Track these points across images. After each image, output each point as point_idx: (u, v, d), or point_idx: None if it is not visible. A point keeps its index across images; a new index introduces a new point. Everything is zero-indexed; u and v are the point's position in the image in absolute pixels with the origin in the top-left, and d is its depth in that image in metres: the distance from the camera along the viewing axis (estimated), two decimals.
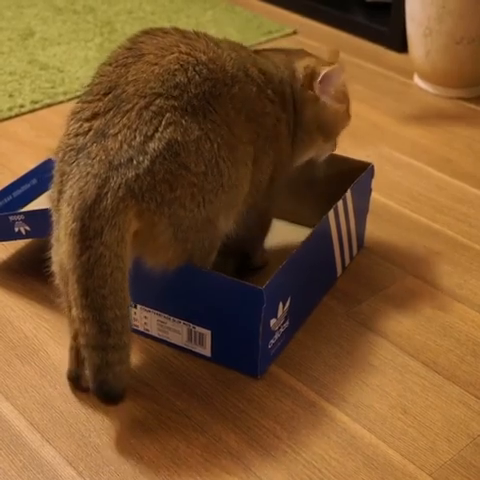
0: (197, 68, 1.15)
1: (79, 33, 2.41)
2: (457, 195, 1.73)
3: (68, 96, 2.05)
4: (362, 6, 2.57)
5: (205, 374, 1.25)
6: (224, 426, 1.16)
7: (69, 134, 1.13)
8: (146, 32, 1.21)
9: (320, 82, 1.30)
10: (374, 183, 1.51)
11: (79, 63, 2.22)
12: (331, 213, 1.34)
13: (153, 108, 1.11)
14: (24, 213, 1.38)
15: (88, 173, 1.08)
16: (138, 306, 1.28)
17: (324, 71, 1.29)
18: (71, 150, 1.11)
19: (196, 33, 1.22)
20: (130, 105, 1.11)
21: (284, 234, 1.48)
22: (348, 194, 1.39)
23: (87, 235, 1.06)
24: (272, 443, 1.14)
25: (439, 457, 1.13)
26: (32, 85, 2.08)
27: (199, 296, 1.22)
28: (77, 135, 1.12)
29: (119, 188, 1.07)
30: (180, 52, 1.16)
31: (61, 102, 2.03)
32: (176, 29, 1.21)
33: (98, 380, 1.10)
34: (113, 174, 1.07)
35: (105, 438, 1.14)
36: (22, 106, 1.99)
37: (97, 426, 1.15)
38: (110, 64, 1.17)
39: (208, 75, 1.15)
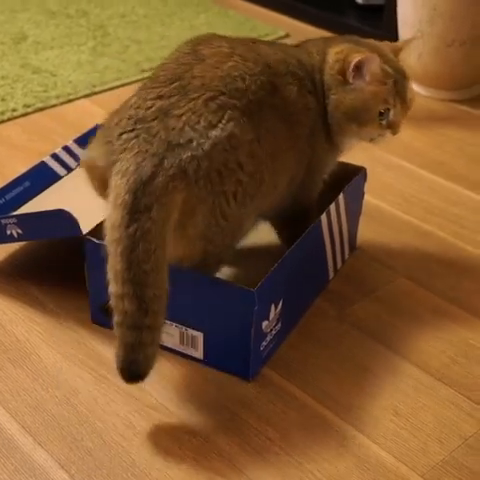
0: (253, 78, 1.20)
1: (72, 37, 2.41)
2: (449, 197, 1.74)
3: (61, 100, 2.05)
4: (355, 9, 2.58)
5: (197, 377, 1.25)
6: (216, 428, 1.16)
7: (131, 106, 1.18)
8: (202, 39, 1.25)
9: (353, 70, 1.27)
10: (366, 185, 1.51)
11: (72, 67, 2.22)
12: (323, 216, 1.34)
13: (218, 101, 1.15)
14: (16, 216, 1.37)
15: (147, 150, 1.11)
16: None
17: (356, 59, 1.25)
18: (130, 119, 1.16)
19: (244, 41, 1.28)
20: (196, 94, 1.15)
21: (275, 236, 1.48)
22: (340, 197, 1.39)
23: (137, 208, 1.09)
24: (264, 445, 1.14)
25: (431, 458, 1.13)
26: (24, 89, 2.08)
27: (191, 298, 1.22)
28: (138, 108, 1.16)
29: (171, 167, 1.10)
30: (236, 62, 1.20)
31: (54, 106, 2.03)
32: (227, 38, 1.26)
33: (129, 359, 1.11)
34: (170, 154, 1.11)
35: (97, 441, 1.14)
36: (14, 110, 1.99)
37: (89, 429, 1.15)
38: (171, 63, 1.22)
39: (261, 86, 1.21)
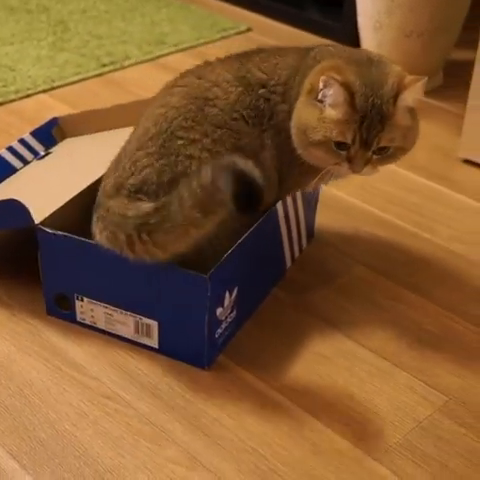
0: (250, 88, 1.26)
1: (32, 32, 2.39)
2: (409, 186, 1.74)
3: (19, 94, 2.03)
4: (315, 3, 2.59)
5: (153, 366, 1.24)
6: (170, 417, 1.16)
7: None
8: (209, 63, 1.32)
9: (321, 86, 1.18)
10: None
11: (31, 62, 2.20)
12: (279, 203, 1.34)
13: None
14: None
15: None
16: (85, 299, 1.27)
17: (325, 77, 1.17)
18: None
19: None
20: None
21: None
22: None
23: None
24: (218, 432, 1.13)
25: (385, 441, 1.13)
26: None
27: (144, 286, 1.21)
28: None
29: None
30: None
31: (12, 100, 2.01)
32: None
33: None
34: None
35: (50, 431, 1.12)
36: None
37: (42, 420, 1.14)
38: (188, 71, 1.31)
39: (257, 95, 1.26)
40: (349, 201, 1.68)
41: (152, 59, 2.28)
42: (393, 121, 1.18)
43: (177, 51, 2.34)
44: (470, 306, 1.39)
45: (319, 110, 1.19)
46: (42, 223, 1.25)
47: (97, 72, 2.17)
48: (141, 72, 2.21)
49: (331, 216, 1.61)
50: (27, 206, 1.23)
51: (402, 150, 1.23)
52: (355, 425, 1.15)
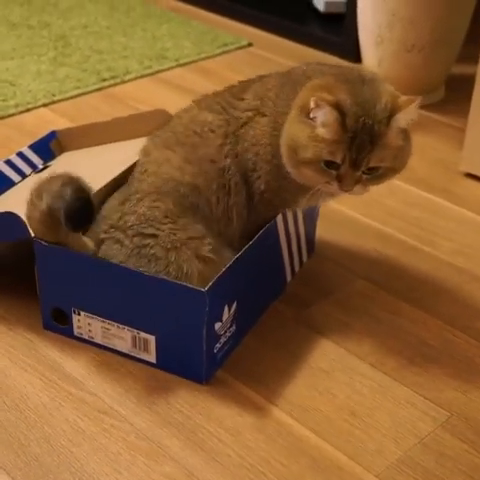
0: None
1: (33, 47, 2.39)
2: (409, 200, 1.73)
3: (19, 109, 2.03)
4: (317, 18, 2.58)
5: (150, 381, 1.23)
6: (168, 432, 1.14)
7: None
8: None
9: (312, 106, 1.16)
10: None
11: (32, 76, 2.20)
12: (279, 217, 1.33)
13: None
14: None
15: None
16: (82, 313, 1.26)
17: (316, 99, 1.15)
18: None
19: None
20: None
21: None
22: None
23: None
24: (216, 448, 1.12)
25: (386, 458, 1.11)
26: None
27: (142, 300, 1.20)
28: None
29: None
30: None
31: (12, 115, 2.01)
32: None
33: None
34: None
35: (45, 447, 1.11)
36: None
37: (37, 435, 1.12)
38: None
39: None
40: (350, 215, 1.66)
41: (152, 74, 2.28)
42: (384, 142, 1.16)
43: (178, 66, 2.34)
44: (472, 320, 1.37)
45: (310, 128, 1.17)
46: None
47: (97, 86, 2.16)
48: (141, 87, 2.21)
49: (332, 230, 1.59)
50: (24, 219, 1.22)
51: (393, 171, 1.22)
52: (355, 441, 1.14)
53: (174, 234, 1.23)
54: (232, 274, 1.20)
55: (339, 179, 1.18)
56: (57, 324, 1.29)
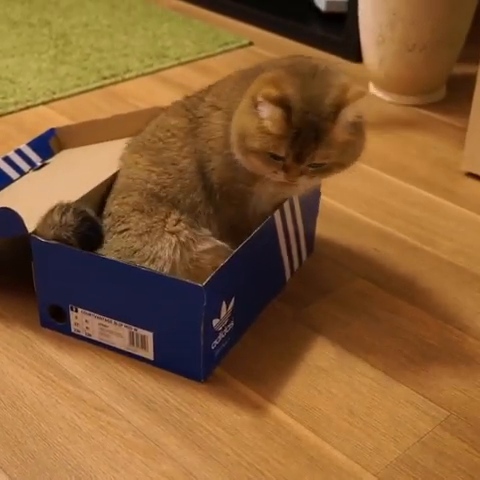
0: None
1: (33, 45, 2.39)
2: (409, 199, 1.72)
3: (19, 106, 2.02)
4: (318, 17, 2.58)
5: (148, 378, 1.22)
6: (165, 430, 1.13)
7: None
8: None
9: (259, 99, 1.16)
10: (326, 188, 1.49)
11: (32, 74, 2.19)
12: (277, 213, 1.32)
13: None
14: None
15: None
16: (79, 310, 1.25)
17: (262, 93, 1.15)
18: None
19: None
20: None
21: None
22: (295, 196, 1.37)
23: None
24: (214, 446, 1.11)
25: (385, 457, 1.10)
26: None
27: (139, 296, 1.19)
28: None
29: None
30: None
31: (12, 112, 2.00)
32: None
33: None
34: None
35: (42, 444, 1.10)
36: None
37: (34, 432, 1.12)
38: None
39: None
40: (350, 214, 1.65)
41: (153, 72, 2.27)
42: (330, 138, 1.15)
43: (179, 64, 2.33)
44: (471, 319, 1.36)
45: (258, 119, 1.17)
46: (35, 232, 1.23)
47: (98, 84, 2.16)
48: (142, 85, 2.20)
49: (331, 229, 1.59)
50: (21, 215, 1.22)
51: (340, 165, 1.21)
52: (354, 440, 1.13)
53: (142, 221, 1.27)
54: (230, 270, 1.19)
55: (285, 170, 1.18)
56: (54, 321, 1.29)
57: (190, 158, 1.29)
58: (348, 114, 1.15)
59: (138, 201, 1.29)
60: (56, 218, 1.24)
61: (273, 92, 1.14)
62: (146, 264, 1.24)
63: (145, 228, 1.27)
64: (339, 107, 1.14)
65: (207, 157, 1.28)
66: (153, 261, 1.24)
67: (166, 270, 1.23)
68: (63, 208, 1.26)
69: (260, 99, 1.15)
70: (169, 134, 1.32)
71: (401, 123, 2.05)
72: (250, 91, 1.19)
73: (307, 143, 1.15)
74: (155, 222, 1.27)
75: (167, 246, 1.25)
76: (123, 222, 1.29)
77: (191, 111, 1.32)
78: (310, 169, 1.19)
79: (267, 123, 1.16)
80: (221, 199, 1.29)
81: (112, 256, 1.25)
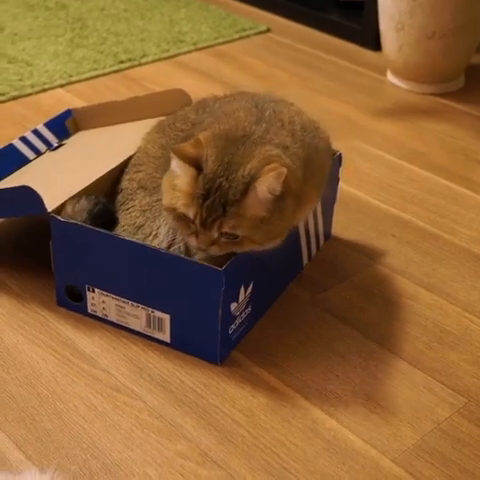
0: None
1: (50, 29, 2.38)
2: (428, 186, 1.71)
3: (36, 89, 2.02)
4: (336, 4, 2.56)
5: (164, 359, 1.21)
6: (181, 411, 1.13)
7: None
8: None
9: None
10: (344, 175, 1.48)
11: (48, 57, 2.19)
12: None
13: None
14: None
15: None
16: (96, 290, 1.24)
17: (184, 147, 1.14)
18: None
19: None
20: None
21: None
22: None
23: None
24: (230, 428, 1.10)
25: (402, 443, 1.09)
26: None
27: (157, 278, 1.18)
28: None
29: None
30: None
31: (29, 94, 2.00)
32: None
33: None
34: None
35: (57, 422, 1.10)
36: None
37: (49, 411, 1.11)
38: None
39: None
40: (368, 201, 1.64)
41: (170, 57, 2.26)
42: (239, 209, 1.09)
43: (195, 50, 2.32)
44: None
45: (173, 177, 1.14)
46: (54, 211, 1.22)
47: (114, 68, 2.15)
48: (158, 69, 2.19)
49: (350, 215, 1.58)
50: (40, 194, 1.21)
51: (252, 242, 1.13)
52: (371, 425, 1.12)
53: (145, 199, 1.28)
54: (249, 255, 1.18)
55: (196, 235, 1.13)
56: (71, 301, 1.28)
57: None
58: (260, 188, 1.09)
59: (144, 177, 1.31)
60: (69, 209, 1.25)
61: (189, 150, 1.12)
62: (149, 240, 1.24)
63: (146, 206, 1.28)
64: (252, 179, 1.09)
65: None
66: (155, 237, 1.25)
67: (164, 246, 1.22)
68: (74, 199, 1.27)
69: (173, 156, 1.13)
70: (187, 127, 1.32)
71: (419, 111, 2.04)
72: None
73: (214, 209, 1.10)
74: (156, 201, 1.27)
75: (163, 224, 1.24)
76: (131, 199, 1.30)
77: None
78: (222, 239, 1.12)
79: (179, 182, 1.13)
80: None
81: (121, 233, 1.26)
